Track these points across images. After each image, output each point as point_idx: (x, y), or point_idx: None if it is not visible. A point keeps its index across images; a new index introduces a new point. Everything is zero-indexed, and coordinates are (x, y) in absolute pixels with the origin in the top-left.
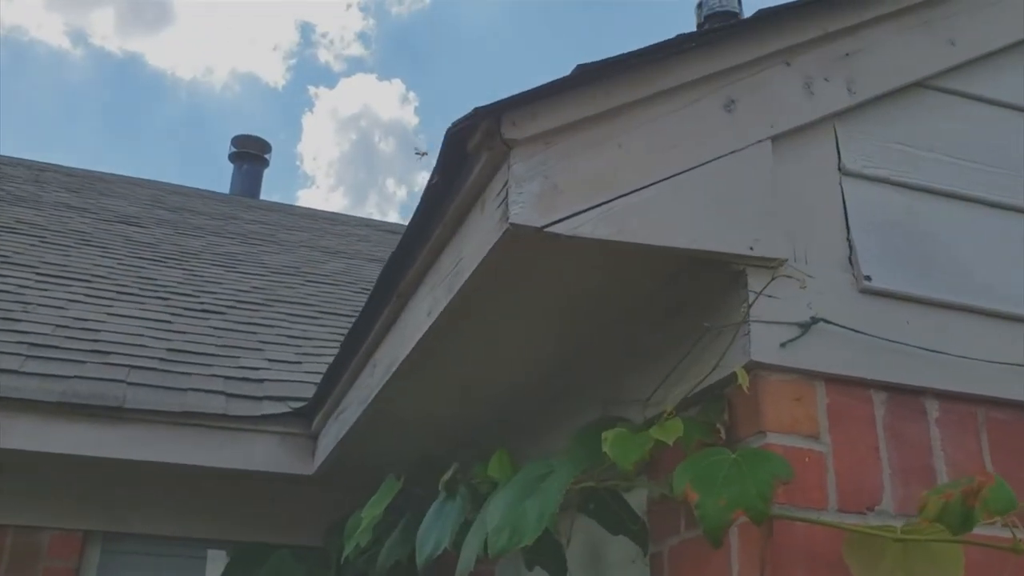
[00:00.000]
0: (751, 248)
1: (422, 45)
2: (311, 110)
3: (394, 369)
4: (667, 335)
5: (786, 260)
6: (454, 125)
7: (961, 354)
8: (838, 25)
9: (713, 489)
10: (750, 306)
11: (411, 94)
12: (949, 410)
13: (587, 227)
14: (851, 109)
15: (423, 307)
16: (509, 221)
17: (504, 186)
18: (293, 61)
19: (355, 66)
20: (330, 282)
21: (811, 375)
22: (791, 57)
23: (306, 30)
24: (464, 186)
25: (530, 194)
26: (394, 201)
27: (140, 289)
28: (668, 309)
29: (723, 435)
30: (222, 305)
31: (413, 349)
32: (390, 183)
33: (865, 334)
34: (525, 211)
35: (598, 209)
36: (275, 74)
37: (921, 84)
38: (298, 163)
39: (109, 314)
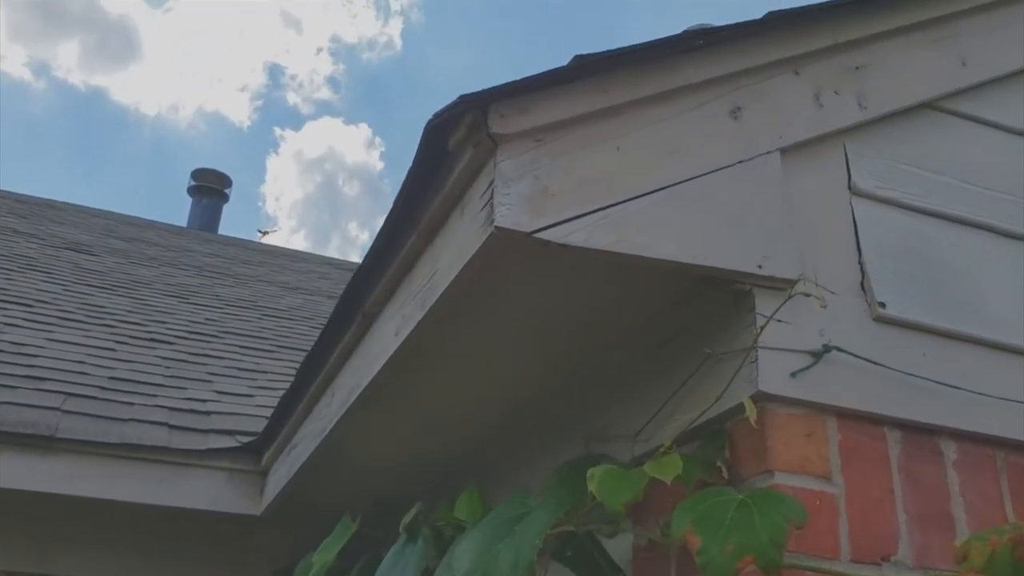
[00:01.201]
0: (760, 266)
1: (391, 91)
2: (276, 151)
3: (355, 398)
4: (660, 363)
5: (797, 280)
6: (435, 117)
7: (978, 391)
8: (849, 36)
9: (718, 533)
10: (761, 329)
11: (377, 139)
12: (967, 452)
13: (580, 234)
14: (862, 126)
15: (390, 327)
16: (494, 224)
17: (489, 186)
18: (260, 102)
19: (323, 109)
20: (287, 317)
21: (822, 409)
22: (800, 66)
23: (275, 72)
24: (443, 187)
25: (518, 195)
26: (356, 244)
27: (85, 316)
28: (662, 334)
29: (725, 474)
30: (172, 335)
31: (378, 374)
32: (353, 227)
33: (880, 365)
34: (512, 214)
35: (593, 216)
36: (241, 114)
37: (931, 105)
38: (260, 204)
39: (49, 340)
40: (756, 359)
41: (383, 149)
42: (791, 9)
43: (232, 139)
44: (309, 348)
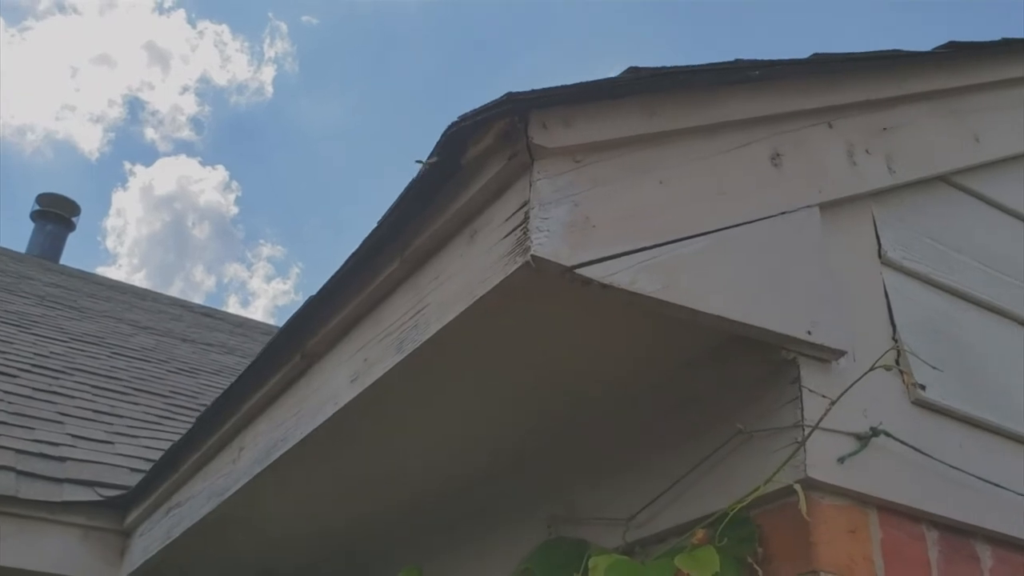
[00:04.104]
0: (809, 332)
1: (256, 137)
2: (123, 186)
3: (278, 454)
4: (671, 434)
5: (846, 352)
6: (460, 120)
7: (1013, 489)
8: (880, 94)
9: None
10: (827, 411)
11: (235, 183)
12: (1003, 559)
13: (625, 275)
14: (888, 191)
15: (344, 371)
16: (531, 253)
17: (522, 207)
18: (113, 135)
19: (181, 148)
20: (140, 357)
21: (865, 501)
22: (834, 118)
23: (135, 106)
24: (450, 207)
25: (558, 222)
26: (200, 290)
27: None
28: (677, 399)
29: (759, 572)
30: (14, 367)
31: (318, 429)
32: (199, 271)
33: (923, 454)
34: (552, 243)
35: (638, 255)
36: (91, 145)
37: (945, 179)
38: (100, 239)
39: None
40: (804, 439)
41: (239, 194)
42: (835, 53)
43: (78, 169)
44: (168, 394)
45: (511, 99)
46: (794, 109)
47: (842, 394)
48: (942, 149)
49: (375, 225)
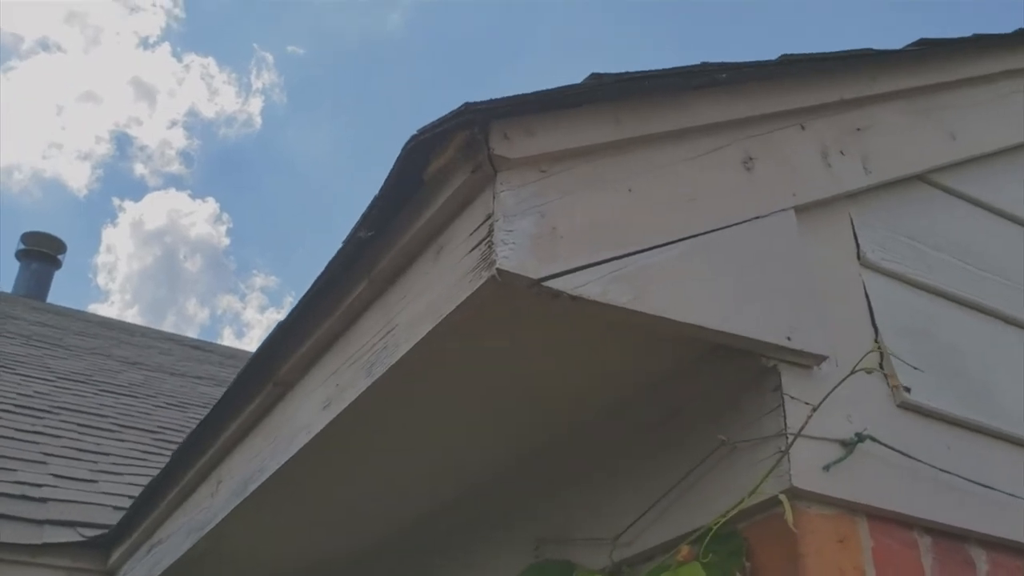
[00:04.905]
0: (788, 338)
1: (246, 168)
2: (113, 223)
3: (255, 486)
4: (653, 448)
5: (827, 358)
6: (419, 133)
7: (1005, 490)
8: (852, 94)
9: None
10: (809, 417)
11: (225, 215)
12: (998, 563)
13: (595, 287)
14: (865, 192)
15: (316, 398)
16: (495, 267)
17: (486, 220)
18: (101, 171)
19: (171, 182)
20: (128, 394)
21: (853, 509)
22: (806, 120)
23: (123, 141)
24: (414, 223)
25: (523, 234)
26: (194, 323)
27: None
28: (658, 412)
29: None
30: None
31: (293, 458)
32: (191, 304)
33: (911, 458)
34: (517, 255)
35: (607, 265)
36: (79, 182)
37: (923, 178)
38: (91, 276)
39: None
40: (788, 448)
41: (230, 225)
42: (804, 54)
43: (67, 207)
44: (155, 430)
45: (469, 109)
46: (764, 112)
47: (824, 399)
48: (918, 148)
49: (340, 245)
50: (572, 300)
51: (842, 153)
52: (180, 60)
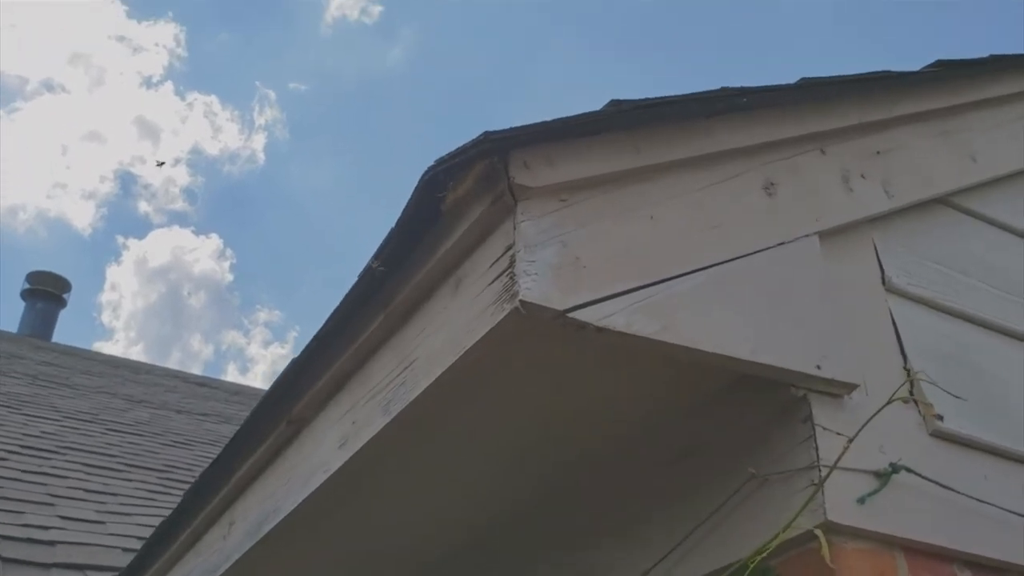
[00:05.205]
0: (818, 367)
1: (250, 204)
2: (117, 261)
3: (270, 527)
4: (680, 485)
5: (858, 386)
6: (437, 164)
7: None
8: (871, 117)
9: None
10: (846, 448)
11: (229, 251)
12: None
13: (620, 317)
14: (888, 216)
15: (332, 436)
16: (519, 299)
17: (507, 251)
18: (105, 210)
19: (174, 219)
20: (134, 432)
21: (890, 543)
22: (826, 144)
23: (127, 180)
24: (432, 255)
25: (546, 264)
26: (199, 359)
27: None
28: (683, 445)
29: None
30: (3, 450)
31: (309, 498)
32: (195, 340)
33: (947, 488)
34: (540, 286)
35: (632, 295)
36: (84, 221)
37: (944, 201)
38: (95, 314)
39: None
40: (821, 481)
41: (234, 261)
42: (823, 77)
43: (72, 247)
44: (162, 468)
45: (488, 139)
46: (785, 136)
47: (860, 430)
48: (938, 170)
49: (356, 279)
50: (598, 332)
51: (863, 177)
52: (183, 98)
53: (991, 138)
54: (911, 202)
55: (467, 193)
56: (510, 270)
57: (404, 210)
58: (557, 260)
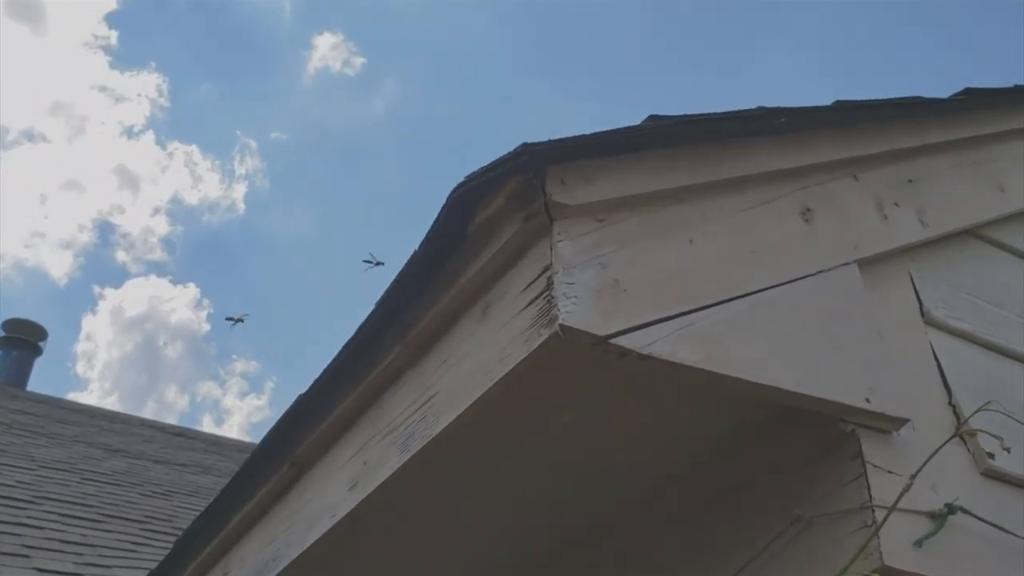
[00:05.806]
0: (867, 400)
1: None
2: (93, 310)
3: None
4: (720, 526)
5: (908, 421)
6: (467, 180)
7: None
8: (902, 144)
9: None
10: (908, 486)
11: (206, 300)
12: None
13: (664, 345)
14: (921, 246)
15: (341, 478)
16: (559, 323)
17: (543, 274)
18: (83, 259)
19: (152, 269)
20: (112, 482)
21: None
22: (859, 171)
23: (105, 230)
24: (458, 278)
25: (585, 287)
26: (174, 410)
27: None
28: (724, 486)
29: None
30: None
31: (314, 545)
32: (171, 391)
33: (1003, 530)
34: (581, 310)
35: (675, 322)
36: (60, 271)
37: (973, 233)
38: (70, 364)
39: None
40: (875, 523)
41: (211, 311)
42: (857, 100)
43: (48, 295)
44: (141, 519)
45: (527, 150)
46: (819, 160)
47: (921, 468)
48: (969, 201)
49: (371, 309)
50: (641, 359)
51: (897, 205)
52: (164, 148)
53: (1018, 169)
54: (945, 232)
55: (497, 211)
56: (547, 293)
57: (429, 232)
58: (596, 283)
